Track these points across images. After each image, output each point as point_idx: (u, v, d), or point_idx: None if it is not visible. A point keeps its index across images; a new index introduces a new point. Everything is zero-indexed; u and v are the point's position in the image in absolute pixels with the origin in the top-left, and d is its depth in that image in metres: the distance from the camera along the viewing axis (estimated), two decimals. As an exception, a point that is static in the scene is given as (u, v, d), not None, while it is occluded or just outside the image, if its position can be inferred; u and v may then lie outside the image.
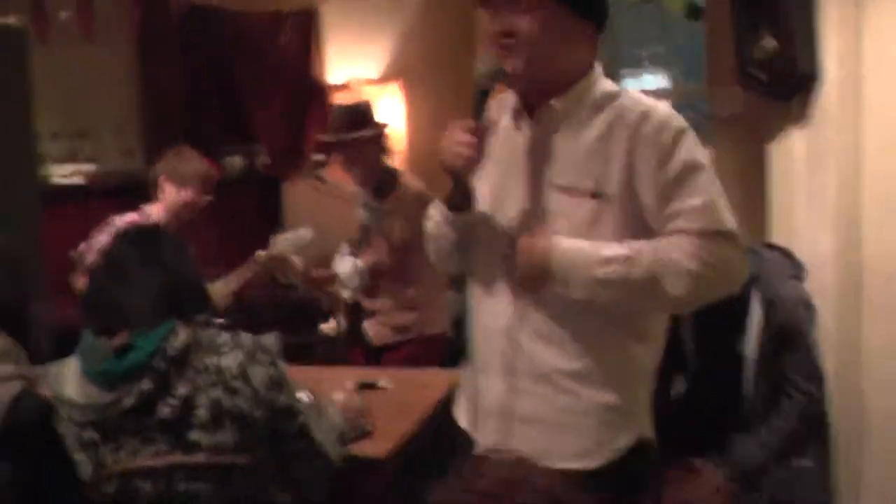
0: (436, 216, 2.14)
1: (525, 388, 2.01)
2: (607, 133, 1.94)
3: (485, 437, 2.07)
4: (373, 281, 3.89)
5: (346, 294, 3.99)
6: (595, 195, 1.92)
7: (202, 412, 1.98)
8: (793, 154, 3.47)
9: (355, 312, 4.08)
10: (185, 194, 3.84)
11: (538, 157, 1.99)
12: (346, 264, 3.88)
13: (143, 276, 2.06)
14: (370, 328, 3.98)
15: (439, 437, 3.00)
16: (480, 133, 1.93)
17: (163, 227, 3.82)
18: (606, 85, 2.03)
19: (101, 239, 3.74)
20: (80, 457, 2.04)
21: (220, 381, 1.99)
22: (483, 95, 1.96)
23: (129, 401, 1.97)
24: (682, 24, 4.69)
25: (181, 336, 1.99)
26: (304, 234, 3.95)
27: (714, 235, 1.87)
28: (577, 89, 1.99)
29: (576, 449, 1.99)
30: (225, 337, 2.05)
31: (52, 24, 5.33)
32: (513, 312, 2.01)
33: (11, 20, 4.00)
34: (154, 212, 3.86)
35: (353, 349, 4.11)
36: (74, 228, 4.19)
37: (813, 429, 3.04)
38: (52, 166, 5.30)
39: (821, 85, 3.32)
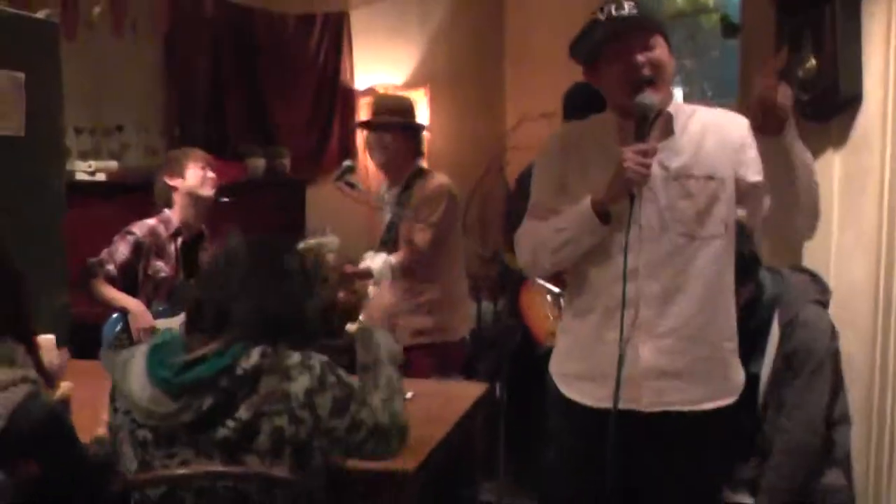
0: (574, 226, 2.40)
1: (670, 348, 2.40)
2: (704, 134, 2.42)
3: (639, 400, 2.41)
4: (402, 277, 3.86)
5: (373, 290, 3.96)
6: (710, 178, 2.39)
7: (263, 439, 1.95)
8: (829, 176, 3.41)
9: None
10: (189, 182, 3.87)
11: (662, 155, 2.38)
12: (378, 260, 3.84)
13: (276, 291, 2.04)
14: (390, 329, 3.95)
15: (466, 449, 2.97)
16: (651, 153, 2.29)
17: (184, 227, 3.85)
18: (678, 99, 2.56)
19: (121, 250, 3.77)
20: (127, 450, 2.01)
21: (286, 409, 1.95)
22: (645, 121, 2.31)
23: (187, 416, 1.94)
24: (715, 41, 4.66)
25: (253, 357, 1.95)
26: (330, 240, 3.93)
27: None
28: (674, 104, 2.46)
29: (715, 390, 2.46)
30: (295, 358, 2.00)
31: (82, 18, 5.32)
32: (653, 287, 2.39)
33: (41, 14, 3.99)
34: (173, 216, 3.86)
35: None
36: (95, 224, 4.18)
37: (809, 459, 3.00)
38: (75, 161, 5.29)
39: (861, 107, 3.28)
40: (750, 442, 3.09)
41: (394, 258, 3.84)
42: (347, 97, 5.89)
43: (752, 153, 2.37)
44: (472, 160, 5.64)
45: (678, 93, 5.43)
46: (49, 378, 2.47)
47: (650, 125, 2.32)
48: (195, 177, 3.88)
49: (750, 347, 2.97)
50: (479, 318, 5.12)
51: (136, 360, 2.03)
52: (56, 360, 3.14)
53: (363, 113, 5.71)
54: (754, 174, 2.37)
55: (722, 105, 4.21)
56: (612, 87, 2.42)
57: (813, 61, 3.33)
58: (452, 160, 5.78)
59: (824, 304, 3.15)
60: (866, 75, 3.27)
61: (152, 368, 1.99)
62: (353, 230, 4.32)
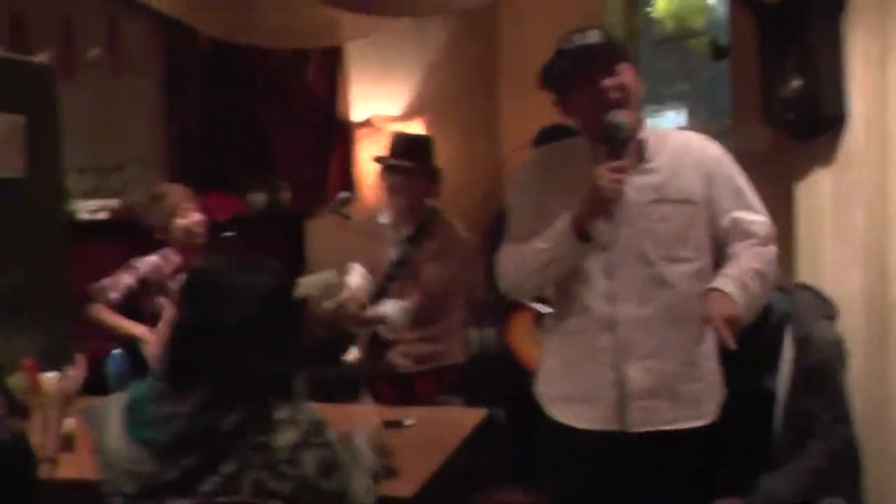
0: (555, 246, 2.42)
1: (655, 368, 2.45)
2: (678, 158, 2.49)
3: (627, 421, 2.45)
4: (416, 320, 3.86)
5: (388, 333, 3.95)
6: (686, 201, 2.45)
7: (245, 493, 1.88)
8: (820, 193, 3.45)
9: (374, 343, 4.04)
10: (176, 235, 3.83)
11: (638, 180, 2.43)
12: (393, 307, 3.84)
13: (263, 344, 1.95)
14: (393, 357, 3.96)
15: (466, 476, 2.99)
16: (624, 170, 2.34)
17: (185, 264, 3.82)
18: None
19: (126, 279, 3.75)
20: (117, 501, 1.95)
21: (268, 462, 1.88)
22: (616, 140, 2.36)
23: (171, 474, 1.88)
24: (706, 63, 4.70)
25: (237, 411, 1.88)
26: (328, 276, 3.94)
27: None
28: (647, 130, 2.53)
29: (701, 409, 2.52)
30: (284, 412, 1.92)
31: (80, 59, 5.39)
32: (636, 309, 2.43)
33: (39, 58, 4.05)
34: (174, 253, 3.86)
35: (373, 380, 4.07)
36: (98, 263, 4.22)
37: (843, 469, 3.01)
38: (78, 201, 5.34)
39: (847, 125, 3.31)
40: (759, 459, 3.07)
41: (408, 303, 3.82)
42: (345, 130, 5.92)
43: (725, 182, 2.50)
44: (471, 187, 5.65)
45: (679, 117, 5.47)
46: (19, 408, 2.45)
47: (622, 144, 2.36)
48: (181, 230, 3.82)
49: (763, 364, 2.99)
50: (481, 344, 5.13)
51: (113, 419, 1.96)
52: (63, 386, 3.04)
53: (367, 145, 5.72)
54: (727, 211, 2.48)
55: (713, 126, 4.23)
56: (582, 114, 2.47)
57: (797, 81, 3.35)
58: (451, 188, 5.80)
59: (831, 319, 3.17)
60: (851, 94, 3.30)
61: (132, 427, 1.93)
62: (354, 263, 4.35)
